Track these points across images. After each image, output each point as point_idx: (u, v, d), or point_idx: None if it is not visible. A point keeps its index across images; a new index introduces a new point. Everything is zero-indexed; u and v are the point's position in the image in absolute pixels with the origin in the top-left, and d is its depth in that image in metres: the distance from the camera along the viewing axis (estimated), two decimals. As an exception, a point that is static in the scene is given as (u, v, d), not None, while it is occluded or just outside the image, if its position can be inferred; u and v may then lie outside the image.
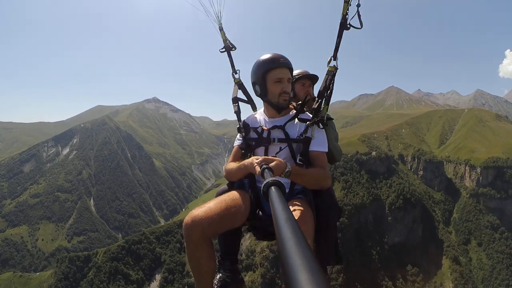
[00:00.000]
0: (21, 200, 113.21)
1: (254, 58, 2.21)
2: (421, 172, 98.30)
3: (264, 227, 2.03)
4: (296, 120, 2.15)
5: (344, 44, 2.15)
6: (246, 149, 2.23)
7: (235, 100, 2.43)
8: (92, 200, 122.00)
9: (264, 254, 61.11)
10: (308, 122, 2.08)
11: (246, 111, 2.46)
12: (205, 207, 1.79)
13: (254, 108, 2.56)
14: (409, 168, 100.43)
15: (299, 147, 2.09)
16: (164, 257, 65.00)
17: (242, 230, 2.17)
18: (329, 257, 2.00)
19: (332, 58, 2.17)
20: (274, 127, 2.13)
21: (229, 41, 2.61)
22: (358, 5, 2.07)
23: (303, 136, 2.06)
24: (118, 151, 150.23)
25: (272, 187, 1.00)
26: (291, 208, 1.79)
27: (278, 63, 2.04)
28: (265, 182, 1.05)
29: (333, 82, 2.18)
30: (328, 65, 2.19)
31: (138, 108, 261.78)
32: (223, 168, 2.34)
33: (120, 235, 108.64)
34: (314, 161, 2.04)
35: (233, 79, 2.53)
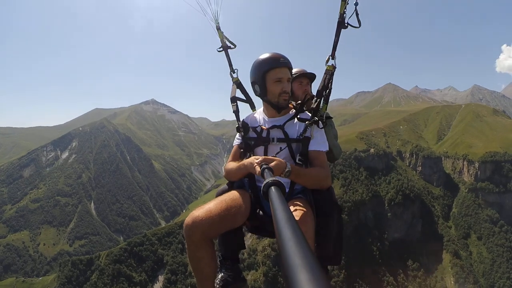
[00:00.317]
0: (21, 205, 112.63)
1: (251, 57, 2.21)
2: (419, 168, 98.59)
3: (265, 227, 2.03)
4: (296, 119, 2.14)
5: (341, 42, 2.14)
6: (246, 149, 2.23)
7: (234, 99, 2.41)
8: (92, 204, 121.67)
9: (266, 252, 61.16)
10: (307, 122, 2.07)
11: (244, 110, 2.45)
12: (205, 208, 1.79)
13: (252, 107, 2.56)
14: (408, 164, 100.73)
15: (299, 147, 2.08)
16: (166, 258, 64.97)
17: (243, 230, 2.16)
18: (329, 257, 1.99)
19: (330, 57, 2.16)
20: (273, 127, 2.13)
21: (228, 39, 2.60)
22: (356, 4, 2.06)
23: (303, 136, 2.05)
24: (117, 154, 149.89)
25: (272, 187, 1.01)
26: (291, 208, 1.78)
27: (278, 62, 2.03)
28: (265, 182, 1.06)
29: (332, 81, 2.17)
30: (326, 64, 2.18)
31: (136, 110, 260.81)
32: (223, 168, 2.33)
33: (121, 237, 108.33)
34: (314, 160, 2.04)
35: (231, 79, 2.52)
